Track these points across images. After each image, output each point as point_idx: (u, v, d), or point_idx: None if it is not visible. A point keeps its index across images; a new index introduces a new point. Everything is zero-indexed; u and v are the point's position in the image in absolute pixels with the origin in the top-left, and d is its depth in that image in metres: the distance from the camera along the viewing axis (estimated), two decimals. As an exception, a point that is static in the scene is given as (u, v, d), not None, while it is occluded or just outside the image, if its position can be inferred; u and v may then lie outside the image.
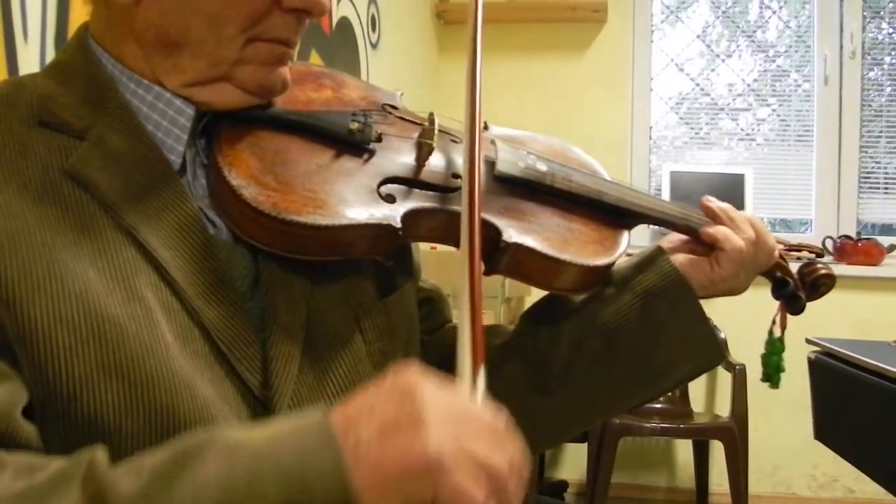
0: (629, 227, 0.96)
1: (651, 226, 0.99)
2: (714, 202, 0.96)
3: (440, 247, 0.88)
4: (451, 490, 0.53)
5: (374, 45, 2.94)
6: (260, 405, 0.72)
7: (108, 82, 0.76)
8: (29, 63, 1.26)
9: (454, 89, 3.75)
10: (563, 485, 3.60)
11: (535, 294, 0.93)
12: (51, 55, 1.31)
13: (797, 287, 1.00)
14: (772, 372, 1.03)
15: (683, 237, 0.97)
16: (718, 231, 0.93)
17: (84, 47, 0.78)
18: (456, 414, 0.55)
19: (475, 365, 0.62)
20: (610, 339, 0.91)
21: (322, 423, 0.55)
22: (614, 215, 0.95)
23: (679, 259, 0.93)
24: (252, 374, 0.72)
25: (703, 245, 0.94)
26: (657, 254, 0.94)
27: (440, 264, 1.38)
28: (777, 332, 1.03)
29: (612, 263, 0.91)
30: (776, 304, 1.02)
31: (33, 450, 0.62)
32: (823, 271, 1.00)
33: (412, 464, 0.52)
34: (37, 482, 0.55)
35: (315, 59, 2.41)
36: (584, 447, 3.30)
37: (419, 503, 0.53)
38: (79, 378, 0.63)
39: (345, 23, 2.66)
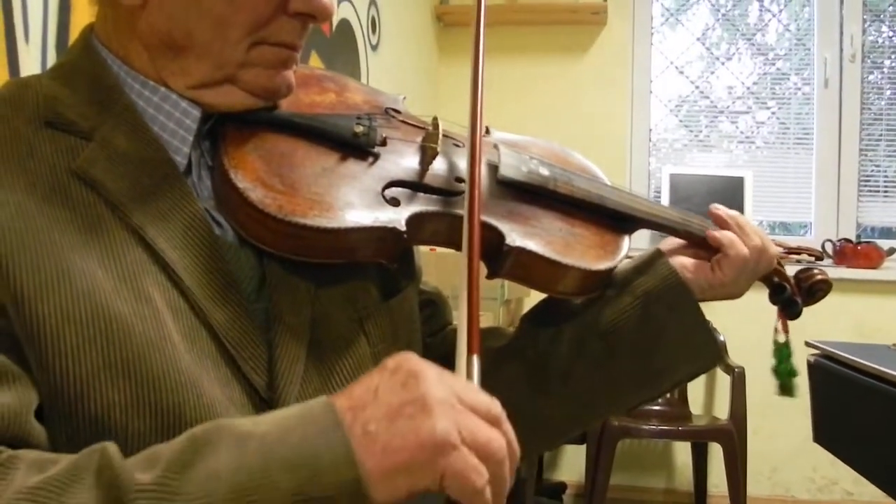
0: (630, 231, 0.97)
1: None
2: (722, 209, 0.96)
3: (439, 248, 0.88)
4: (457, 471, 0.54)
5: (374, 47, 2.94)
6: (266, 406, 0.72)
7: (114, 83, 0.76)
8: (30, 65, 1.26)
9: (454, 91, 3.75)
10: (562, 486, 3.60)
11: (535, 296, 0.93)
12: (52, 57, 1.31)
13: (794, 292, 1.00)
14: (785, 380, 1.03)
15: (683, 241, 0.97)
16: (725, 236, 0.93)
17: (89, 49, 0.79)
18: (457, 399, 0.57)
19: (470, 355, 0.64)
20: (610, 341, 0.91)
21: (328, 410, 0.56)
22: (615, 220, 0.96)
23: (678, 262, 0.93)
24: (258, 375, 0.72)
25: (703, 249, 0.95)
26: (656, 256, 0.94)
27: (439, 266, 1.39)
28: (781, 338, 1.03)
29: (614, 268, 0.92)
30: (775, 309, 1.02)
31: (43, 450, 0.62)
32: (820, 276, 1.01)
33: (420, 447, 0.54)
34: (51, 475, 0.55)
35: (315, 60, 2.41)
36: (582, 449, 3.30)
37: (426, 486, 0.55)
38: (86, 377, 0.63)
39: (345, 25, 2.66)
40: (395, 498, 0.55)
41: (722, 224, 0.95)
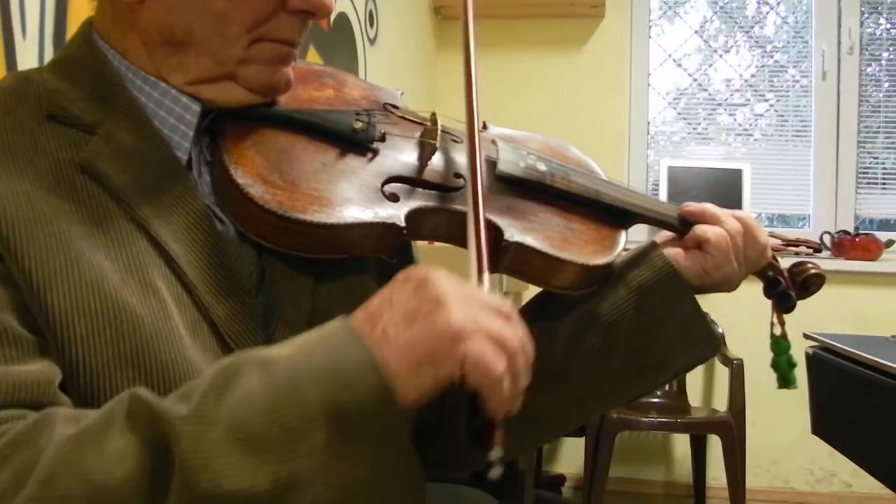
0: (626, 226, 0.97)
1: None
2: (692, 205, 0.97)
3: (438, 242, 0.89)
4: (476, 356, 0.57)
5: (371, 41, 2.94)
6: None
7: (116, 78, 0.76)
8: (28, 60, 1.26)
9: (452, 84, 3.75)
10: (561, 479, 3.61)
11: (533, 289, 0.93)
12: (49, 52, 1.31)
13: (788, 286, 1.00)
14: (785, 372, 1.03)
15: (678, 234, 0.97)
16: (698, 228, 0.94)
17: (89, 43, 0.78)
18: (468, 296, 0.61)
19: (480, 270, 0.69)
20: (607, 334, 0.92)
21: (346, 325, 0.60)
22: (612, 215, 0.96)
23: (672, 253, 0.93)
24: None
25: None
26: (651, 249, 0.94)
27: (438, 259, 1.38)
28: (777, 331, 1.03)
29: (611, 263, 0.92)
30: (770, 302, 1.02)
31: None
32: (813, 271, 1.01)
33: (439, 336, 0.57)
34: (86, 424, 0.57)
35: (313, 54, 2.41)
36: (581, 441, 3.30)
37: (448, 373, 0.58)
38: (96, 367, 0.64)
39: (342, 18, 2.66)
40: (422, 391, 0.58)
41: (697, 218, 0.95)
